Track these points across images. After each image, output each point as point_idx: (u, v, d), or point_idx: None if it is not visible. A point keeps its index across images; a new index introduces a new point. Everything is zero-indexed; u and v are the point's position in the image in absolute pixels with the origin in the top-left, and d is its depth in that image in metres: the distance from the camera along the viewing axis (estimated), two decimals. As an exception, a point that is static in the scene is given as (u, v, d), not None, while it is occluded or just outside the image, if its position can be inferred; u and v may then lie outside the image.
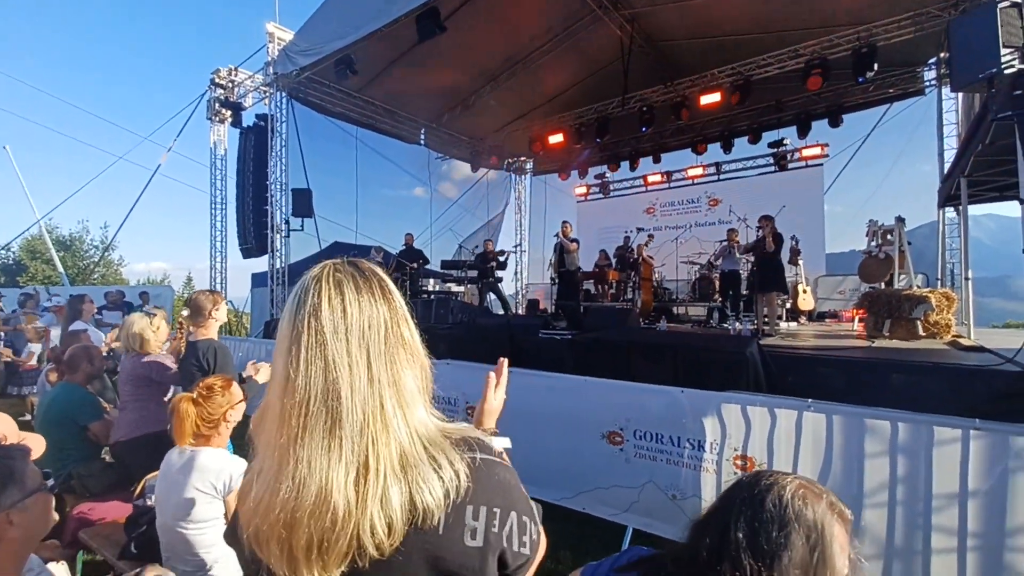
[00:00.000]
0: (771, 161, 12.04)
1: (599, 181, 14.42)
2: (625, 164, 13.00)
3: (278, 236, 9.00)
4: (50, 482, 1.21)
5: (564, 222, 9.04)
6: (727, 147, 11.76)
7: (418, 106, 11.07)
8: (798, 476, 0.88)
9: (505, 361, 1.13)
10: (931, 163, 9.86)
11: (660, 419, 3.35)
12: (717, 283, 9.38)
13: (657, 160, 12.74)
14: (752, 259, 7.49)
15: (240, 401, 2.10)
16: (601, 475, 3.53)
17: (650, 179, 13.62)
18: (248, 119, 9.77)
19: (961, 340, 6.29)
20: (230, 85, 9.58)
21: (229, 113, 9.59)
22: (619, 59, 8.92)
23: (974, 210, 7.76)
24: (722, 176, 12.82)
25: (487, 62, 9.94)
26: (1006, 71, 4.14)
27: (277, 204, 8.95)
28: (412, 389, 0.71)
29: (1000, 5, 4.20)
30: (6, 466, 1.12)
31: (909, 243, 7.74)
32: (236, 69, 9.56)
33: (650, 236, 10.24)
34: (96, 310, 6.57)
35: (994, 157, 5.53)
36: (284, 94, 9.04)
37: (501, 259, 9.77)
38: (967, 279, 7.67)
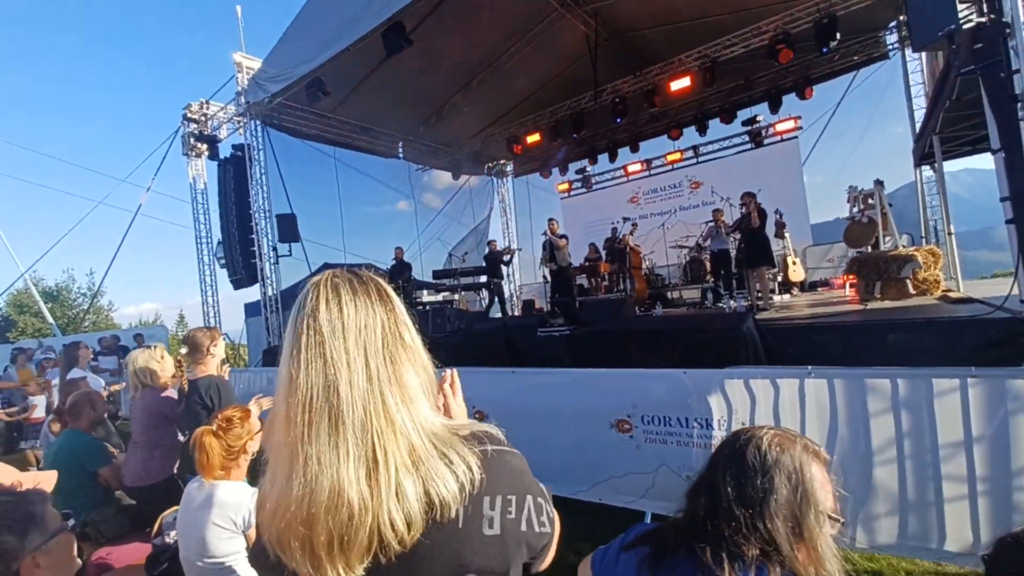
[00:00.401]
0: (747, 139, 12.17)
1: (580, 176, 14.49)
2: (604, 157, 13.06)
3: (267, 263, 8.96)
4: (71, 522, 1.22)
5: (550, 220, 9.11)
6: (702, 130, 11.86)
7: (393, 120, 11.08)
8: (772, 427, 0.94)
9: (454, 371, 1.11)
10: (903, 125, 10.03)
11: (666, 402, 3.38)
12: (708, 264, 9.47)
13: (635, 149, 12.78)
14: (739, 237, 7.57)
15: (259, 432, 2.10)
16: (614, 464, 3.56)
17: (630, 169, 13.71)
18: (224, 150, 9.73)
19: (951, 294, 6.40)
20: (203, 118, 9.53)
21: (205, 147, 9.55)
22: (587, 54, 9.00)
23: (950, 166, 7.89)
24: (700, 159, 12.93)
25: (457, 70, 9.97)
26: (964, 26, 4.21)
27: (263, 232, 8.91)
28: (415, 387, 0.72)
29: (952, -38, 4.28)
30: (27, 511, 1.13)
31: (890, 205, 7.85)
32: (207, 102, 9.52)
33: (634, 225, 10.30)
34: (92, 356, 6.51)
35: (963, 112, 5.63)
36: (258, 122, 9.01)
37: (506, 258, 9.90)
38: (950, 234, 7.81)
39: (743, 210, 7.24)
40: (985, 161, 7.18)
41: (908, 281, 6.52)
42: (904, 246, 7.58)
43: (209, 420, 2.20)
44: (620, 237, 9.77)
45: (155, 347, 3.47)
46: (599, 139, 12.88)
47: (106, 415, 3.73)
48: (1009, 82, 3.89)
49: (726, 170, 12.35)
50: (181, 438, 3.24)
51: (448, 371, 1.12)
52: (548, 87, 10.88)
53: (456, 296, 10.11)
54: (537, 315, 8.63)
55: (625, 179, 13.98)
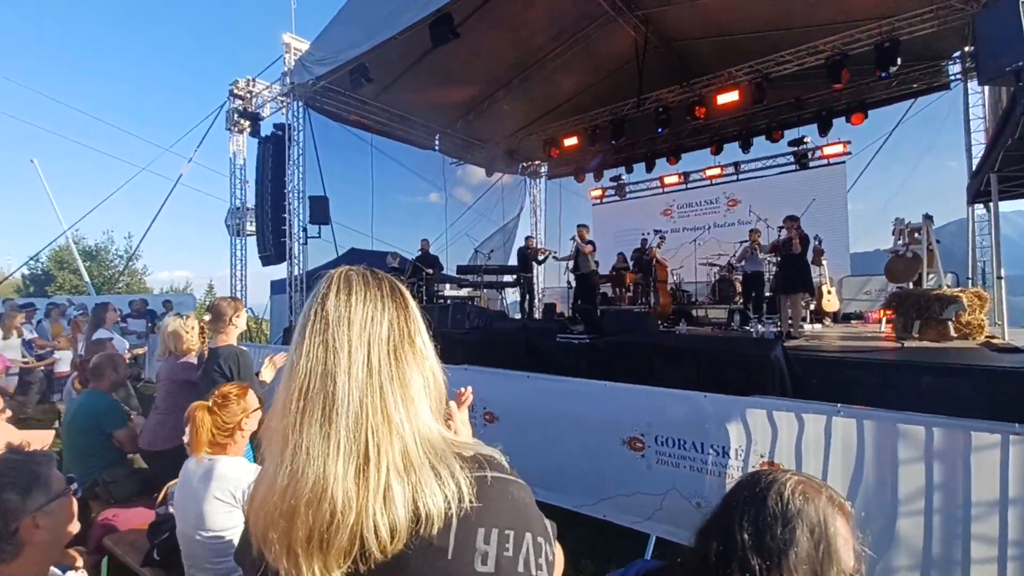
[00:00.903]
0: (791, 160, 11.82)
1: (615, 183, 14.31)
2: (641, 166, 12.88)
3: (296, 243, 9.12)
4: (74, 486, 1.22)
5: (581, 225, 9.01)
6: (746, 146, 11.56)
7: (432, 112, 11.15)
8: (796, 472, 0.89)
9: (469, 391, 1.10)
10: (958, 159, 9.58)
11: (682, 424, 3.27)
12: (739, 285, 9.23)
13: (674, 161, 12.57)
14: (775, 259, 7.34)
15: (256, 409, 2.09)
16: (622, 482, 3.47)
17: (667, 180, 13.48)
18: (266, 129, 9.99)
19: (995, 341, 6.06)
20: (248, 96, 9.76)
21: (247, 123, 9.79)
22: (633, 60, 8.86)
23: (1005, 206, 7.50)
24: (741, 176, 12.62)
25: (500, 67, 9.96)
26: (1037, 62, 4.00)
27: (295, 212, 9.08)
28: (418, 389, 0.69)
29: (1028, -5, 4.07)
30: (32, 471, 1.14)
31: (938, 241, 7.51)
32: (254, 80, 9.74)
33: (662, 237, 10.11)
34: (120, 318, 6.71)
35: (1026, 151, 5.34)
36: (300, 103, 9.18)
37: (540, 257, 9.92)
38: (999, 278, 7.40)
39: (784, 233, 7.00)
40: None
41: (950, 323, 6.21)
42: (949, 286, 7.24)
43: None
44: (648, 249, 9.61)
45: (187, 316, 3.55)
46: (637, 148, 12.70)
47: (128, 377, 3.82)
48: (1082, 124, 3.66)
49: (767, 190, 12.02)
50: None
51: (465, 389, 1.09)
52: (590, 91, 10.78)
53: (479, 293, 10.11)
54: (558, 320, 8.56)
55: (660, 190, 13.76)
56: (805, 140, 11.29)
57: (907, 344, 6.08)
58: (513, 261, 12.70)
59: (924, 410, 2.93)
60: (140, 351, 6.25)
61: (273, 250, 9.39)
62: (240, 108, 9.73)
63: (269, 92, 9.70)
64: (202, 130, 9.69)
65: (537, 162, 14.81)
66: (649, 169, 12.86)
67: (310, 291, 0.73)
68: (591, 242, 8.90)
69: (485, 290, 10.14)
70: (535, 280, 10.41)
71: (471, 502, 0.63)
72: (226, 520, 1.95)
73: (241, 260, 10.27)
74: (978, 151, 8.75)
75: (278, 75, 9.22)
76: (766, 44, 8.80)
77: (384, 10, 7.22)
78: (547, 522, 0.72)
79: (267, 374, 3.09)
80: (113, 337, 5.39)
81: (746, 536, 0.82)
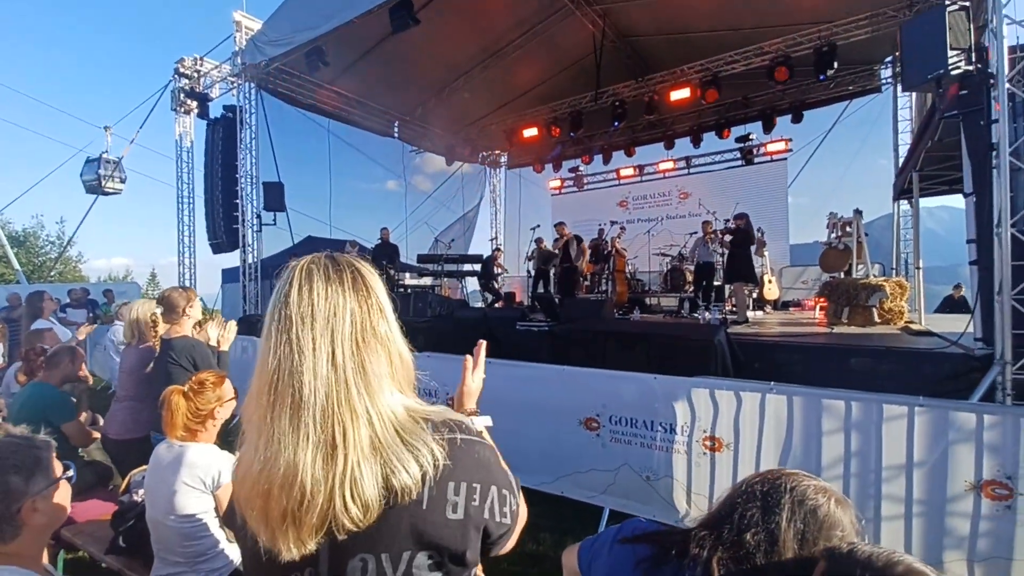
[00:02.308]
0: (738, 155, 12.40)
1: (573, 175, 14.56)
2: (598, 158, 13.17)
3: (250, 231, 8.83)
4: (70, 472, 1.26)
5: (560, 223, 9.27)
6: (696, 142, 12.08)
7: (391, 98, 10.97)
8: (810, 476, 0.93)
9: (483, 344, 1.17)
10: (887, 157, 10.32)
11: (634, 405, 3.50)
12: (689, 274, 9.70)
13: (630, 154, 12.96)
14: (725, 252, 7.80)
15: (231, 399, 2.12)
16: (579, 460, 3.67)
17: (623, 173, 13.84)
18: (215, 110, 9.54)
19: (912, 325, 6.68)
20: (195, 75, 9.29)
21: (195, 104, 9.31)
22: (592, 54, 9.04)
23: (929, 202, 8.21)
24: (692, 170, 13.13)
25: (461, 55, 9.91)
26: (952, 72, 4.39)
27: (248, 198, 8.77)
28: (381, 376, 0.74)
29: (948, 8, 4.43)
30: (34, 456, 1.17)
31: (866, 234, 8.12)
32: (202, 59, 9.27)
33: (622, 228, 10.46)
34: (59, 308, 6.36)
35: (943, 153, 5.85)
36: (252, 85, 8.83)
37: (497, 271, 10.15)
38: (918, 268, 8.12)
39: (733, 224, 7.52)
40: (951, 195, 7.53)
41: (874, 309, 6.78)
42: (875, 275, 7.86)
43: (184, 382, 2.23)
44: (608, 239, 9.90)
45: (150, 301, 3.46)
46: (595, 140, 12.98)
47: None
48: (987, 130, 4.09)
49: (715, 184, 12.58)
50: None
51: (480, 343, 1.16)
52: (550, 83, 10.89)
53: (439, 282, 10.14)
54: (518, 308, 8.72)
55: (617, 182, 14.12)
56: (751, 137, 11.87)
57: (836, 329, 6.60)
58: (473, 250, 12.78)
59: (851, 387, 3.26)
60: (87, 329, 5.88)
61: (224, 237, 9.04)
62: (187, 88, 9.25)
63: (219, 72, 9.26)
64: (145, 111, 9.16)
65: (497, 152, 14.85)
66: (606, 161, 13.19)
67: (270, 281, 0.79)
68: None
69: (446, 279, 10.17)
70: (496, 284, 10.63)
71: (443, 461, 0.71)
72: (196, 505, 1.98)
73: (189, 248, 9.84)
74: (905, 151, 9.46)
75: (228, 55, 8.82)
76: (716, 44, 9.17)
77: (344, -8, 7.06)
78: (511, 477, 0.83)
79: (213, 332, 3.13)
80: (52, 326, 5.11)
81: (791, 529, 0.84)
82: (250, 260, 8.87)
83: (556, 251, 9.44)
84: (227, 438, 2.19)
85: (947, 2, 4.59)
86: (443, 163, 13.16)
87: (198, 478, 1.98)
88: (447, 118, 12.15)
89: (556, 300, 7.81)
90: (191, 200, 9.88)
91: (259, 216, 8.78)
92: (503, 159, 15.22)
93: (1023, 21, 3.93)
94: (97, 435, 3.31)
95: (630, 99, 10.27)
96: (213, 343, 3.14)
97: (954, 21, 4.42)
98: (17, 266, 13.77)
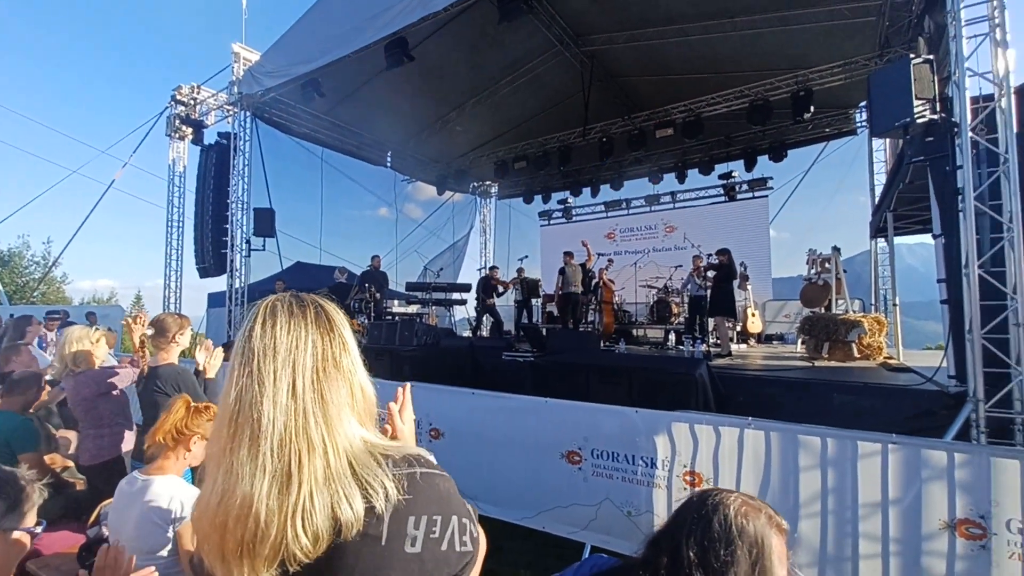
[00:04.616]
0: (721, 192, 12.75)
1: (562, 206, 14.83)
2: (587, 191, 13.47)
3: (238, 256, 8.83)
4: (38, 530, 1.24)
5: (568, 252, 9.46)
6: (681, 177, 12.44)
7: (385, 129, 11.19)
8: (740, 493, 0.97)
9: (408, 386, 1.16)
10: (864, 195, 10.68)
11: (616, 438, 3.51)
12: (675, 306, 9.86)
13: (617, 188, 13.29)
14: (707, 285, 7.96)
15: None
16: (561, 494, 3.65)
17: (610, 205, 14.14)
18: (210, 137, 9.64)
19: (890, 361, 6.80)
20: (192, 103, 9.44)
21: (190, 130, 9.44)
22: (580, 92, 9.36)
23: (908, 240, 8.48)
24: (677, 204, 13.44)
25: (453, 90, 10.19)
26: (918, 120, 4.62)
27: (238, 223, 8.80)
28: (340, 406, 0.75)
29: (913, 61, 4.71)
30: (23, 492, 1.16)
31: (845, 271, 8.34)
32: (199, 87, 9.45)
33: (610, 260, 10.61)
34: (42, 333, 6.24)
35: (915, 195, 6.10)
36: (248, 113, 8.98)
37: (501, 289, 10.13)
38: (895, 305, 8.33)
39: (716, 259, 7.73)
40: (926, 234, 7.81)
41: (854, 345, 6.91)
42: (855, 311, 8.04)
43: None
44: (595, 271, 10.04)
45: (95, 328, 3.39)
46: (583, 173, 13.30)
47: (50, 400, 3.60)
48: (953, 175, 4.28)
49: (699, 218, 12.87)
50: (132, 432, 3.19)
51: (400, 388, 1.13)
52: (540, 118, 11.21)
53: (427, 310, 10.15)
54: (505, 338, 8.74)
55: (604, 215, 14.39)
56: (733, 174, 12.25)
57: (817, 364, 6.71)
58: (462, 279, 12.83)
59: (831, 423, 3.32)
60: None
61: (212, 262, 9.03)
62: (183, 114, 9.38)
63: (215, 100, 9.42)
64: (140, 135, 9.24)
65: (488, 182, 15.10)
66: (594, 194, 13.50)
67: (249, 310, 0.81)
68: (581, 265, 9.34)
69: (433, 307, 10.18)
70: (496, 307, 10.62)
71: (401, 496, 0.71)
72: (160, 539, 1.94)
73: (176, 271, 9.79)
74: (880, 190, 9.81)
75: (225, 84, 9.00)
76: (699, 86, 9.57)
77: (340, 28, 7.28)
78: (469, 506, 0.83)
79: (200, 356, 3.09)
80: (29, 346, 5.00)
81: (692, 554, 0.89)
82: (237, 285, 8.83)
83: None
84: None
85: (912, 55, 4.88)
86: (434, 191, 13.34)
87: (162, 512, 1.94)
88: (440, 149, 12.39)
89: (542, 331, 7.85)
90: (181, 224, 9.90)
91: (248, 241, 8.80)
92: (493, 190, 15.47)
93: (985, 73, 4.17)
94: (69, 463, 3.24)
95: (617, 135, 10.59)
96: (200, 368, 3.11)
97: (919, 73, 4.68)
98: None
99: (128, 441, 3.17)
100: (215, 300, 9.90)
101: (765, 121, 9.25)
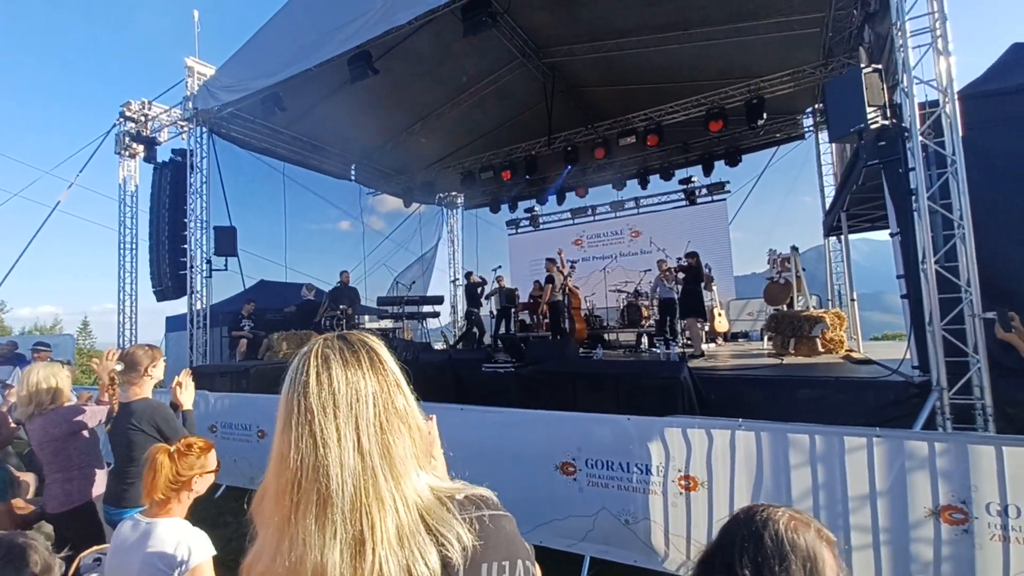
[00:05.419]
0: (682, 196, 13.16)
1: (529, 214, 14.93)
2: (553, 198, 13.61)
3: (198, 276, 8.43)
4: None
5: (550, 259, 9.40)
6: (644, 183, 12.77)
7: (349, 142, 11.00)
8: (786, 508, 0.96)
9: (434, 418, 1.09)
10: (813, 195, 11.26)
11: (610, 447, 3.53)
12: (645, 309, 10.06)
13: (582, 195, 13.50)
14: (678, 288, 8.17)
15: (211, 471, 1.99)
16: (557, 506, 3.63)
17: (576, 212, 14.34)
18: (163, 154, 9.22)
19: (853, 354, 7.14)
20: (143, 119, 8.99)
21: (141, 148, 8.98)
22: (544, 102, 9.48)
23: (852, 236, 8.94)
24: (641, 210, 13.78)
25: (418, 101, 10.14)
26: (871, 126, 4.91)
27: (197, 243, 8.41)
28: (405, 457, 0.72)
29: (864, 71, 5.00)
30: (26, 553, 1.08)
31: (804, 269, 8.74)
32: (150, 103, 9.02)
33: (572, 267, 10.71)
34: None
35: (866, 195, 6.45)
36: (204, 129, 8.62)
37: (483, 289, 9.99)
38: (853, 300, 8.76)
39: (684, 262, 7.95)
40: (880, 233, 8.27)
41: (818, 340, 7.23)
42: (814, 307, 8.41)
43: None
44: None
45: (60, 363, 3.18)
46: (549, 181, 13.43)
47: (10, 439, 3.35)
48: (906, 177, 4.54)
49: (663, 222, 13.23)
50: (103, 471, 2.98)
51: (429, 421, 1.12)
52: (505, 128, 11.28)
53: (400, 324, 9.97)
54: (482, 349, 8.68)
55: (571, 221, 14.58)
56: (693, 179, 12.68)
57: (785, 360, 6.97)
58: (433, 291, 12.69)
59: (805, 417, 3.43)
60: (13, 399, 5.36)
61: (170, 284, 8.57)
62: (133, 131, 8.91)
63: (168, 116, 9.01)
64: (87, 154, 8.73)
65: (454, 193, 15.04)
66: (560, 201, 13.67)
67: (289, 367, 0.74)
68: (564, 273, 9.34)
69: (407, 321, 10.01)
70: (454, 312, 10.51)
71: (474, 543, 0.69)
72: (166, 590, 1.83)
73: (131, 296, 9.25)
74: (829, 191, 10.36)
75: (179, 99, 8.62)
76: (658, 95, 9.87)
77: (301, 41, 7.12)
78: (528, 545, 0.82)
79: (186, 398, 2.85)
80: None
81: (747, 572, 0.87)
82: (199, 307, 8.42)
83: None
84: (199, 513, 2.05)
85: (863, 64, 5.18)
86: (398, 203, 13.19)
87: (166, 559, 1.83)
88: (404, 161, 12.27)
89: (520, 340, 7.85)
90: (134, 246, 9.36)
91: (209, 261, 8.43)
92: (460, 200, 15.42)
93: (930, 81, 4.45)
94: (30, 508, 3.01)
95: (581, 144, 10.78)
96: (175, 400, 2.93)
97: (870, 81, 4.97)
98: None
99: (99, 484, 2.96)
100: (174, 323, 9.43)
101: (721, 128, 9.63)
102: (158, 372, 2.94)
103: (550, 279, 9.14)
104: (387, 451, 0.71)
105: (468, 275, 10.68)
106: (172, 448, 1.89)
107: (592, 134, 10.69)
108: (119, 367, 2.85)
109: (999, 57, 5.39)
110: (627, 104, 10.23)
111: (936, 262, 4.21)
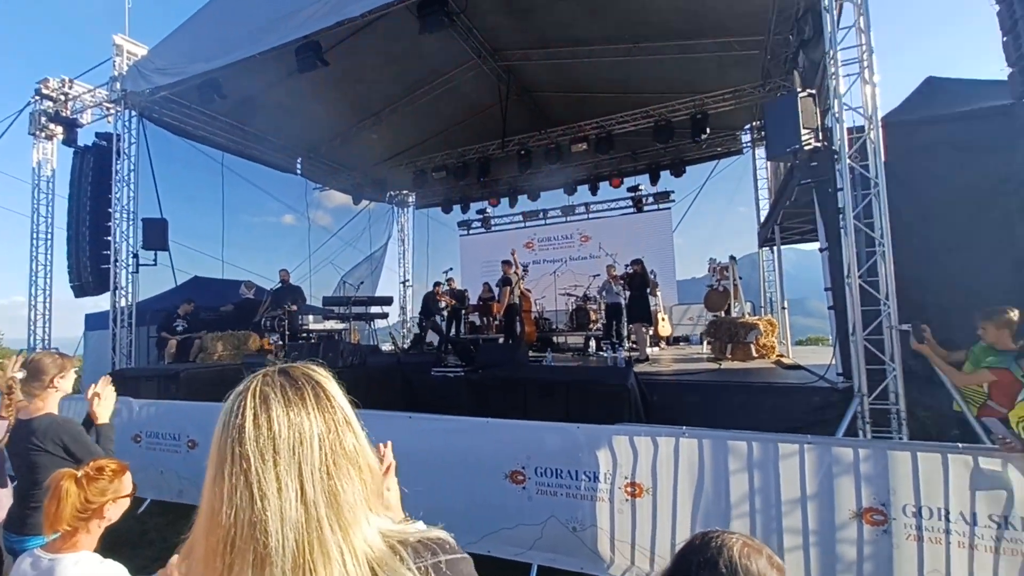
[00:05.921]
0: (630, 203, 13.56)
1: (481, 216, 14.89)
2: (505, 200, 13.66)
3: (123, 271, 7.79)
4: None
5: (505, 261, 9.28)
6: (594, 190, 13.08)
7: (295, 134, 10.54)
8: (740, 534, 1.01)
9: (389, 445, 1.12)
10: (749, 206, 11.91)
11: (559, 455, 3.55)
12: (593, 313, 10.27)
13: (534, 198, 13.62)
14: (628, 295, 8.42)
15: (126, 496, 1.82)
16: (505, 515, 3.63)
17: (528, 216, 14.45)
18: (85, 137, 8.46)
19: (783, 359, 7.60)
20: (62, 98, 8.23)
21: (60, 129, 8.21)
22: (499, 104, 9.49)
23: (783, 248, 9.51)
24: (591, 215, 14.08)
25: (370, 96, 9.87)
26: (805, 147, 5.24)
27: (123, 235, 7.77)
28: (355, 504, 0.66)
29: (799, 95, 5.32)
30: None
31: (740, 277, 9.22)
32: (71, 81, 8.26)
33: (525, 270, 10.77)
34: None
35: (798, 211, 6.88)
36: (134, 112, 7.98)
37: (442, 305, 9.74)
38: (783, 308, 9.33)
39: (631, 269, 8.19)
40: (807, 244, 8.87)
41: (752, 345, 7.64)
42: (749, 314, 8.89)
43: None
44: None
45: None
46: (502, 184, 13.46)
47: None
48: (834, 197, 4.88)
49: (611, 228, 13.60)
50: (6, 489, 2.69)
51: (383, 446, 1.05)
52: (459, 128, 11.19)
53: (346, 325, 9.66)
54: (431, 351, 8.56)
55: (523, 224, 14.68)
56: (640, 187, 13.09)
57: (723, 364, 7.32)
58: (382, 291, 12.39)
59: (739, 420, 3.60)
60: None
61: (91, 278, 7.88)
62: (50, 111, 8.13)
63: (92, 97, 8.28)
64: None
65: (405, 191, 14.77)
66: (512, 204, 13.72)
67: (224, 405, 0.67)
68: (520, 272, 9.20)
69: (354, 322, 9.71)
70: (403, 315, 10.28)
71: None
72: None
73: (45, 290, 8.44)
74: (764, 203, 10.98)
75: (105, 79, 7.94)
76: (609, 104, 10.13)
77: (246, 26, 6.74)
78: None
79: (103, 410, 2.52)
80: None
81: None
82: (123, 304, 7.77)
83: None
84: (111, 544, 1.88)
85: (798, 88, 5.52)
86: (346, 198, 12.79)
87: None
88: (354, 157, 11.91)
89: (470, 343, 7.81)
90: (50, 235, 8.54)
91: (136, 255, 7.81)
92: (411, 199, 15.16)
93: (858, 108, 4.80)
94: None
95: (535, 148, 10.87)
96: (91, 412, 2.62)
97: (805, 105, 5.29)
98: None
99: (1, 507, 2.66)
100: (94, 321, 8.67)
101: (668, 140, 10.00)
102: (66, 384, 2.60)
103: (507, 281, 9.05)
104: (334, 499, 0.64)
105: (436, 286, 10.29)
106: (80, 472, 1.71)
107: (545, 138, 10.81)
108: (20, 375, 2.53)
109: (915, 88, 5.91)
110: (580, 111, 10.42)
111: (859, 276, 4.55)
